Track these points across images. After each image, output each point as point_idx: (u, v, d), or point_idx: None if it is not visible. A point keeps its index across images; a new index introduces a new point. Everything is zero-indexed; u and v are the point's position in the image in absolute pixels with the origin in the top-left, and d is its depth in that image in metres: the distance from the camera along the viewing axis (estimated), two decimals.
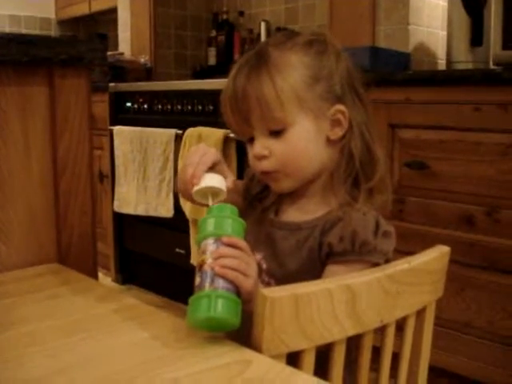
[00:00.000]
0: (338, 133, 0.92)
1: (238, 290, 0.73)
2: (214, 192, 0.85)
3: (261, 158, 0.90)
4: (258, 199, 1.01)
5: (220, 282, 0.71)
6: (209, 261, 0.72)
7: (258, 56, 0.91)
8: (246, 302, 0.74)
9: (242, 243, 0.75)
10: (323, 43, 0.93)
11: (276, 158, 0.90)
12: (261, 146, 0.90)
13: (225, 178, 0.87)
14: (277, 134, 0.89)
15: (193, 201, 0.87)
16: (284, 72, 0.88)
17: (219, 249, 0.72)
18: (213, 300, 0.70)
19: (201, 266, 0.72)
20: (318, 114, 0.90)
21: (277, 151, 0.89)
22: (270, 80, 0.87)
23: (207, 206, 0.83)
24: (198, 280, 0.72)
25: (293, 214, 0.96)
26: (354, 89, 0.93)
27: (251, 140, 0.92)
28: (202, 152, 0.88)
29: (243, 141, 0.96)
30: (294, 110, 0.88)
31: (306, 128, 0.89)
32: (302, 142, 0.89)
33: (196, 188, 0.85)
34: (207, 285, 0.71)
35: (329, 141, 0.92)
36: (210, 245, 0.73)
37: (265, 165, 0.91)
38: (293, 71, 0.88)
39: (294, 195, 0.97)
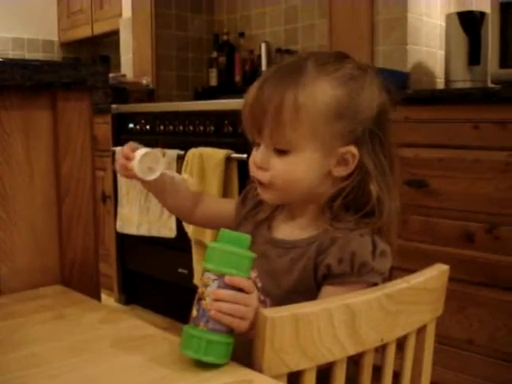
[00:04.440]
0: (341, 172, 0.90)
1: (232, 330, 0.73)
2: (152, 159, 0.93)
3: (258, 168, 0.91)
4: (251, 215, 1.02)
5: (214, 324, 0.71)
6: (207, 299, 0.72)
7: (295, 68, 0.89)
8: (242, 334, 0.74)
9: (245, 283, 0.73)
10: (364, 81, 0.90)
11: (272, 174, 0.90)
12: (261, 158, 0.90)
13: None
14: (281, 152, 0.89)
15: (134, 176, 0.96)
16: (310, 98, 0.86)
17: (218, 291, 0.71)
18: (203, 343, 0.70)
19: (200, 298, 0.73)
20: (328, 149, 0.89)
21: (275, 168, 0.90)
22: (293, 102, 0.86)
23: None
24: (194, 312, 0.73)
25: (286, 231, 0.96)
26: (378, 137, 0.90)
27: (258, 144, 0.92)
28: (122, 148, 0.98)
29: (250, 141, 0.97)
30: (305, 138, 0.87)
31: (311, 158, 0.89)
32: (301, 169, 0.89)
33: (136, 162, 0.93)
34: (202, 324, 0.72)
35: (330, 175, 0.91)
36: (212, 281, 0.72)
37: (259, 175, 0.91)
38: (319, 100, 0.86)
39: (286, 212, 0.98)
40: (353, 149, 0.89)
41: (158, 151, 0.95)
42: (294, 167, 0.89)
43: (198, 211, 1.11)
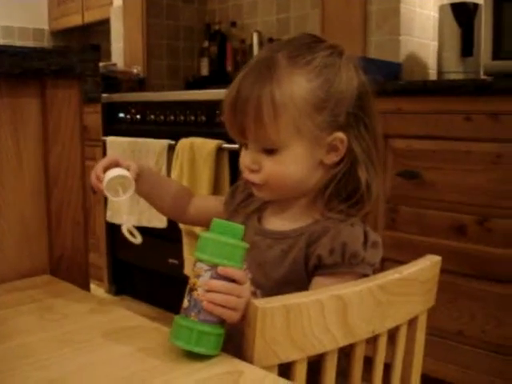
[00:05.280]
0: (332, 158, 0.90)
1: (223, 321, 0.72)
2: (121, 183, 0.94)
3: (249, 170, 0.91)
4: (241, 207, 1.01)
5: (205, 315, 0.71)
6: (199, 290, 0.71)
7: (268, 64, 0.87)
8: (233, 325, 0.73)
9: (238, 274, 0.72)
10: (339, 65, 0.89)
11: (264, 174, 0.89)
12: (251, 160, 0.90)
13: (128, 169, 0.96)
14: (270, 152, 0.88)
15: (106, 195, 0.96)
16: (287, 95, 0.85)
17: (211, 282, 0.71)
18: (194, 334, 0.70)
19: (191, 289, 0.72)
20: (315, 141, 0.88)
21: (266, 168, 0.89)
22: (271, 101, 0.84)
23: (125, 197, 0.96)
24: (186, 303, 0.72)
25: (276, 222, 0.96)
26: (362, 119, 0.90)
27: (245, 145, 0.91)
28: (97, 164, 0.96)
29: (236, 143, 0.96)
30: (289, 136, 0.86)
31: (300, 153, 0.88)
32: (292, 166, 0.88)
33: (104, 184, 0.93)
34: (193, 314, 0.71)
35: (322, 163, 0.90)
36: (204, 271, 0.71)
37: (252, 177, 0.91)
38: (296, 96, 0.85)
39: (278, 204, 0.97)
40: (340, 134, 0.88)
41: (127, 174, 0.95)
42: (284, 165, 0.88)
43: (189, 211, 1.10)
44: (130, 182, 0.95)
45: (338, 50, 0.91)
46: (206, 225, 0.81)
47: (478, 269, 1.75)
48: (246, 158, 0.91)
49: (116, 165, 0.97)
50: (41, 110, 1.06)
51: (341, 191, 0.91)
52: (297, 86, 0.86)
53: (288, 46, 0.90)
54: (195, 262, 0.73)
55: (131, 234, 0.96)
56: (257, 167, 0.90)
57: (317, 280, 0.86)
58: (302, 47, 0.89)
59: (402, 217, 1.90)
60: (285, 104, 0.85)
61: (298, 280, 0.88)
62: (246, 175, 0.92)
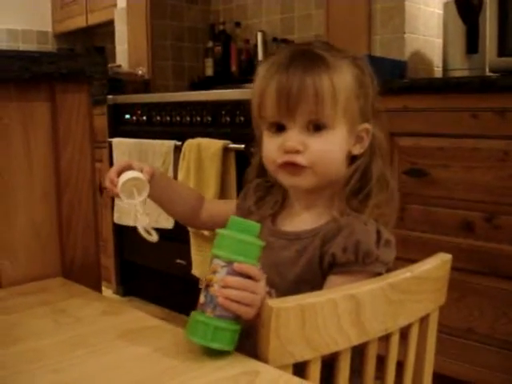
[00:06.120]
0: (358, 149, 0.94)
1: (239, 317, 0.73)
2: (136, 185, 0.95)
3: (294, 151, 0.90)
4: (255, 208, 1.01)
5: (221, 311, 0.72)
6: (215, 286, 0.72)
7: (310, 55, 0.91)
8: (248, 321, 0.74)
9: (253, 270, 0.73)
10: (361, 60, 0.96)
11: (311, 154, 0.90)
12: (296, 140, 0.89)
13: (141, 171, 0.97)
14: (315, 130, 0.90)
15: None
16: (340, 76, 0.90)
17: (227, 278, 0.72)
18: (210, 329, 0.71)
19: (207, 285, 0.73)
20: (351, 127, 0.92)
21: (313, 147, 0.89)
22: (329, 78, 0.89)
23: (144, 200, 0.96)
24: (202, 298, 0.73)
25: (291, 223, 0.97)
26: (379, 114, 0.96)
27: (279, 129, 0.92)
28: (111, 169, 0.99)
29: (261, 128, 0.96)
30: (340, 114, 0.90)
31: (341, 135, 0.91)
32: (336, 147, 0.91)
33: (118, 187, 0.94)
34: (209, 310, 0.72)
35: (348, 155, 0.94)
36: (220, 267, 0.72)
37: (298, 159, 0.90)
38: (347, 78, 0.91)
39: (295, 205, 0.97)
40: (367, 125, 0.93)
41: (141, 175, 0.96)
42: (330, 143, 0.90)
43: (201, 216, 1.11)
44: (144, 184, 0.96)
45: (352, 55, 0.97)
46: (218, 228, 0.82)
47: (487, 266, 1.75)
48: (287, 140, 0.90)
49: (129, 168, 0.97)
50: (51, 114, 1.07)
51: (359, 188, 0.93)
52: (346, 71, 0.92)
53: (312, 44, 0.96)
54: (212, 259, 0.74)
55: (147, 232, 0.97)
56: (302, 147, 0.90)
57: (330, 279, 0.87)
58: (324, 44, 0.96)
59: (410, 215, 1.90)
60: (341, 81, 0.90)
61: (314, 279, 0.88)
62: (288, 158, 0.90)
